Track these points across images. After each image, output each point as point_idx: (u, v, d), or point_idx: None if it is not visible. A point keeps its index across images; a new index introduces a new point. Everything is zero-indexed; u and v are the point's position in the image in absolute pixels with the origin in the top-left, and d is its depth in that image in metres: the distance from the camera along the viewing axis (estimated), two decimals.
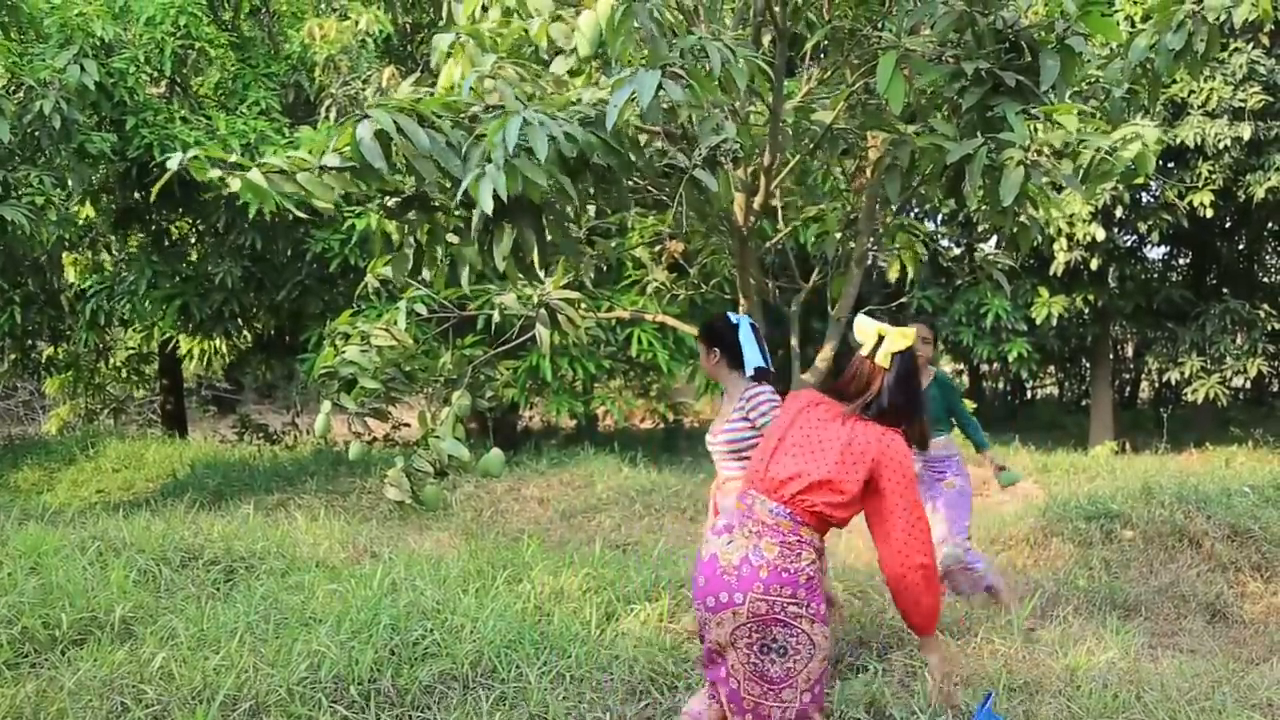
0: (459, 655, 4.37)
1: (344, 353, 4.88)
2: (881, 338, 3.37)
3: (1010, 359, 15.13)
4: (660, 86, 3.45)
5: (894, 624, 5.19)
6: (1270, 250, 18.10)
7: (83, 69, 9.93)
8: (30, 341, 16.07)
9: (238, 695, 3.99)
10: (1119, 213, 14.06)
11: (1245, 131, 13.21)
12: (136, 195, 13.01)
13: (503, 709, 3.96)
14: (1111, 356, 18.30)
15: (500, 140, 3.44)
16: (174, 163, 3.64)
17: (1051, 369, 21.76)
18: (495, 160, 3.43)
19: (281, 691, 4.02)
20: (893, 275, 5.98)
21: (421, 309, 5.00)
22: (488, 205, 3.38)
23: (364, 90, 8.41)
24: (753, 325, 4.42)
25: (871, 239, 5.48)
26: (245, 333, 15.08)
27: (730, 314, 4.43)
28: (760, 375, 4.34)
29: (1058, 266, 14.31)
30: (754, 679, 3.17)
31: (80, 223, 13.20)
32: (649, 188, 4.83)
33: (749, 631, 3.15)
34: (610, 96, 3.57)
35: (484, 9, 4.74)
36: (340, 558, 6.70)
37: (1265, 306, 15.30)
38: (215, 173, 3.65)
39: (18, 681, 4.17)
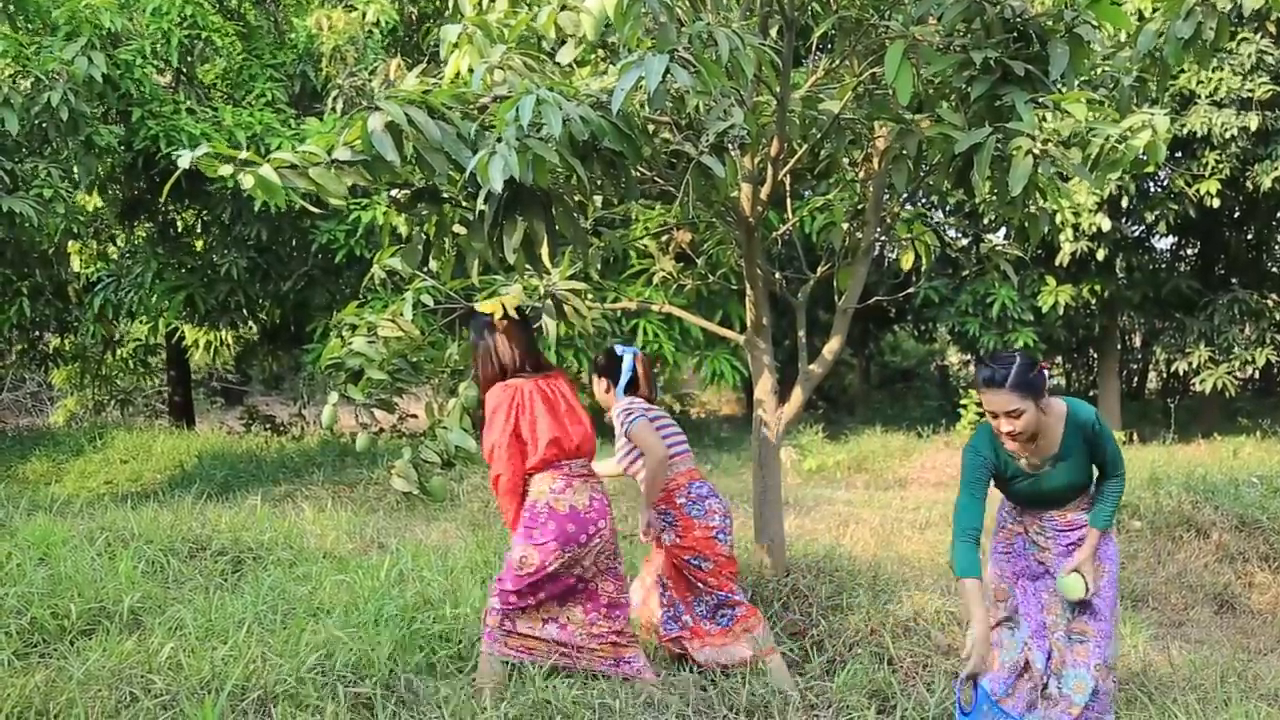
0: (465, 644, 4.39)
1: (351, 344, 4.88)
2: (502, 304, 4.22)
3: (1016, 349, 15.10)
4: (668, 71, 3.44)
5: (900, 614, 5.19)
6: (1279, 240, 18.04)
7: (90, 60, 9.93)
8: (37, 333, 16.11)
9: (246, 685, 4.01)
10: (1125, 203, 14.02)
11: (1253, 121, 13.16)
12: (143, 186, 13.02)
13: (507, 697, 3.97)
14: (1119, 347, 18.26)
15: (513, 118, 3.43)
16: (185, 161, 3.64)
17: (1059, 359, 21.71)
18: (507, 139, 3.42)
19: (290, 681, 4.04)
20: (905, 264, 5.94)
21: (428, 300, 4.99)
22: (497, 185, 3.36)
23: (370, 81, 8.41)
24: (635, 354, 4.86)
25: (879, 230, 5.46)
26: (251, 324, 15.10)
27: (616, 346, 4.89)
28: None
29: (1064, 257, 14.28)
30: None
31: (87, 213, 13.21)
32: (656, 178, 4.82)
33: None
34: (617, 80, 3.56)
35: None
36: (347, 548, 6.72)
37: (1273, 296, 15.26)
38: (227, 170, 3.64)
39: (27, 671, 4.18)
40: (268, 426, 16.85)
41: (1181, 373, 15.71)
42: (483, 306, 4.28)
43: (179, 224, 13.95)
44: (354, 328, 5.01)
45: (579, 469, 4.25)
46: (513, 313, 4.23)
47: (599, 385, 4.89)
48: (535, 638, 4.16)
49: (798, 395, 5.35)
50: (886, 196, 5.48)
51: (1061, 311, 15.00)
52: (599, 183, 4.09)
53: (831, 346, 5.38)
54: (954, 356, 25.58)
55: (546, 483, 4.17)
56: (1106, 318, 16.51)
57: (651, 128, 4.28)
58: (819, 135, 4.97)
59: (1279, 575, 7.23)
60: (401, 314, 4.98)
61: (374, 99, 3.68)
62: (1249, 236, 17.03)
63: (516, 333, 4.28)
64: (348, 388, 4.94)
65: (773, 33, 5.04)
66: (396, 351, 4.93)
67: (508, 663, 4.13)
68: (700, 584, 4.55)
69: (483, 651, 4.17)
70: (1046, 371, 3.85)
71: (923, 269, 6.19)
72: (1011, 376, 3.69)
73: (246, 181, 3.63)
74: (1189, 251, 18.26)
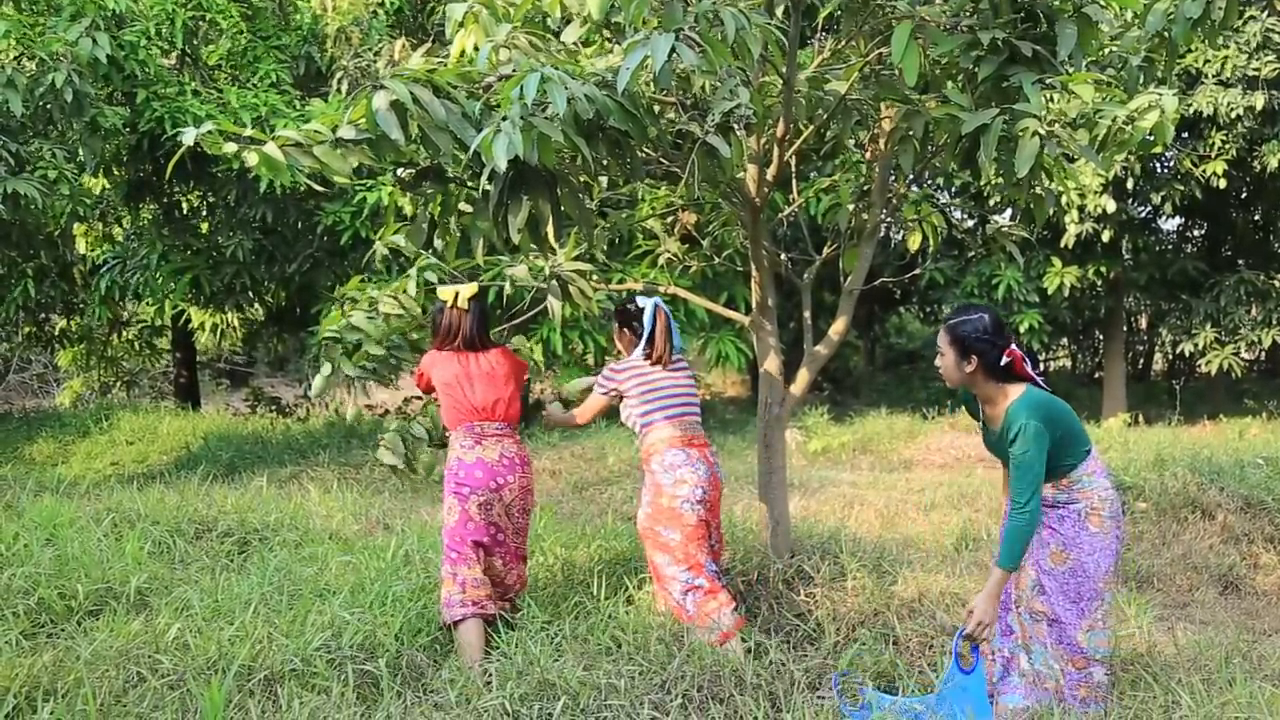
0: None
1: (350, 317, 4.89)
2: (457, 294, 4.69)
3: (1022, 330, 15.07)
4: (674, 50, 3.42)
5: (904, 595, 5.20)
6: None
7: (94, 41, 9.91)
8: (43, 315, 16.14)
9: (252, 665, 4.02)
10: (1130, 184, 13.95)
11: (1259, 101, 13.06)
12: (148, 168, 13.01)
13: (514, 678, 3.98)
14: (1125, 328, 18.21)
15: (518, 96, 3.42)
16: (188, 138, 3.63)
17: (1064, 341, 21.67)
18: (512, 117, 3.41)
19: (296, 661, 4.05)
20: (911, 246, 5.92)
21: (432, 278, 5.00)
22: (502, 164, 3.36)
23: (375, 62, 8.38)
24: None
25: (885, 211, 5.44)
26: (256, 306, 15.11)
27: (639, 297, 4.95)
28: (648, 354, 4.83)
29: (1069, 238, 14.23)
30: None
31: (92, 195, 13.22)
32: (661, 159, 4.81)
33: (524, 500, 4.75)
34: (624, 59, 3.54)
35: None
36: (353, 530, 6.74)
37: None
38: (231, 147, 3.63)
39: (35, 651, 4.20)
40: (273, 408, 16.89)
41: (1187, 354, 15.66)
42: (442, 293, 4.74)
43: (184, 206, 13.95)
44: (355, 301, 5.02)
45: (492, 430, 4.66)
46: (463, 304, 4.70)
47: (618, 335, 5.02)
48: (480, 588, 4.49)
49: (803, 377, 5.34)
50: (892, 178, 5.46)
51: (1067, 293, 14.95)
52: (604, 163, 4.08)
53: (837, 328, 5.37)
54: None
55: (458, 440, 4.64)
56: (1112, 299, 16.46)
57: (657, 108, 4.27)
58: (825, 116, 4.95)
59: None
60: (405, 291, 4.99)
61: (379, 79, 3.67)
62: (1256, 217, 16.95)
63: (464, 317, 4.73)
64: (341, 360, 4.94)
65: (779, 12, 5.02)
66: (396, 329, 4.95)
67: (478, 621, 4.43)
68: (674, 556, 4.52)
69: (451, 625, 4.43)
70: (990, 352, 3.91)
71: (928, 250, 6.18)
72: (952, 319, 3.97)
73: (251, 159, 3.63)
74: (1195, 232, 18.18)
